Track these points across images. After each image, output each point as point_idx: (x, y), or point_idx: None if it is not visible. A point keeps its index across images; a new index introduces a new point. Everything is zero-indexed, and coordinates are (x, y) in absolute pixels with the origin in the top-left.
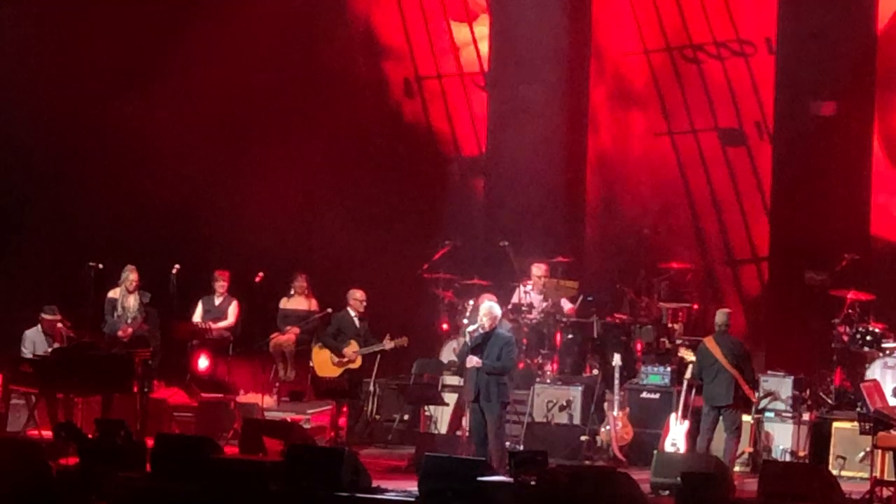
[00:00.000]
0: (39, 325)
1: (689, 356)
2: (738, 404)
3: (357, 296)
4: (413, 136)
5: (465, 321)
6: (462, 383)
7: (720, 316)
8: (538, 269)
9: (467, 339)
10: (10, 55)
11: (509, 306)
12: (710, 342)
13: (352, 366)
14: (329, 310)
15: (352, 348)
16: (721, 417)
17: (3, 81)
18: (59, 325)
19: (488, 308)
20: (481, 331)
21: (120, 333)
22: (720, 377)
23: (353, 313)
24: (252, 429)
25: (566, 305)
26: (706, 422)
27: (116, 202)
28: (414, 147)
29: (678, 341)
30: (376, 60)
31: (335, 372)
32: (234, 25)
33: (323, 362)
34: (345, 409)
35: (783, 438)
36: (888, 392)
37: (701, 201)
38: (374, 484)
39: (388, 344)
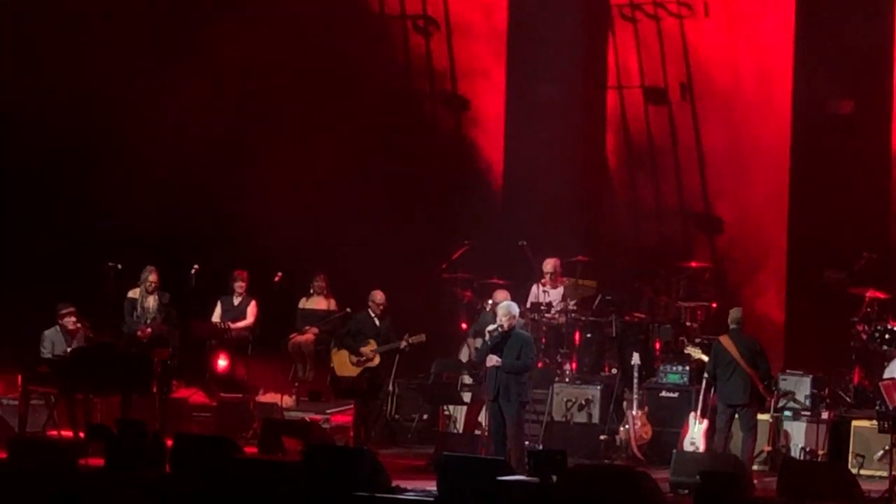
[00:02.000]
0: (58, 326)
1: (696, 353)
2: (753, 403)
3: (376, 298)
4: (434, 136)
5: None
6: (473, 382)
7: (734, 313)
8: (548, 265)
9: (487, 338)
10: (27, 39)
11: (527, 305)
12: (725, 340)
13: (370, 364)
14: (348, 309)
15: (370, 347)
16: (737, 416)
17: (24, 78)
18: (78, 322)
19: (507, 308)
20: (500, 330)
21: (139, 333)
22: (736, 376)
23: (372, 314)
24: (271, 429)
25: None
26: (721, 420)
27: (135, 202)
28: (435, 147)
29: (697, 340)
30: (397, 55)
31: (354, 371)
32: (249, 23)
33: (342, 362)
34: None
35: (802, 437)
36: None
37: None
38: (394, 483)
39: (402, 343)
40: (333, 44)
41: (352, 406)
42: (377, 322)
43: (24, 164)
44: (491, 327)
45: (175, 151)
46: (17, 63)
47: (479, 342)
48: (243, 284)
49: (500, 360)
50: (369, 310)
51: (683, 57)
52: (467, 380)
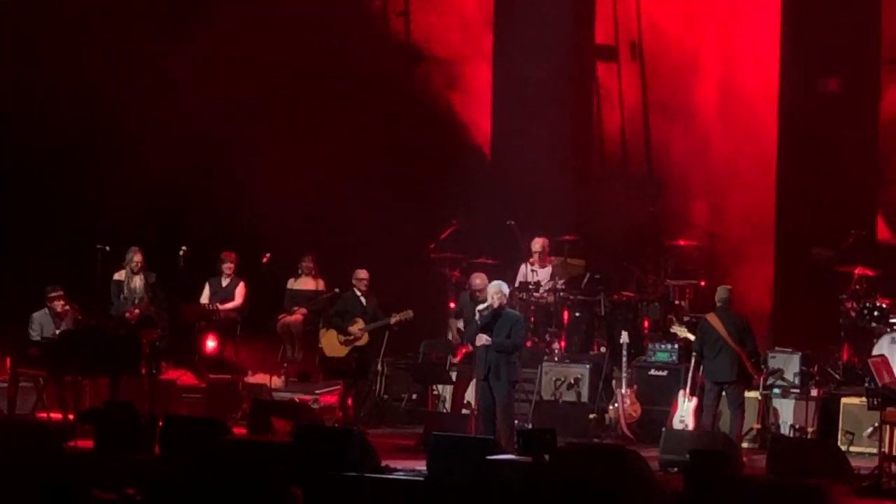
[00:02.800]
0: (46, 308)
1: (682, 332)
2: (740, 380)
3: (360, 275)
4: (421, 117)
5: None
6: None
7: (721, 292)
8: (536, 245)
9: (477, 317)
10: (27, 39)
11: (516, 285)
12: (712, 318)
13: (359, 343)
14: (336, 290)
15: (358, 326)
16: (724, 394)
17: (17, 65)
18: (66, 305)
19: (497, 287)
20: (491, 309)
21: (127, 315)
22: (723, 353)
23: (358, 293)
24: (260, 409)
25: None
26: (709, 398)
27: (124, 184)
28: (422, 127)
29: (686, 318)
30: (386, 35)
31: (343, 351)
32: (245, 11)
33: (330, 343)
34: (353, 389)
35: (791, 415)
36: None
37: None
38: (383, 463)
39: (392, 319)
40: (324, 23)
41: (340, 386)
42: (363, 300)
43: (20, 150)
44: (481, 306)
45: (165, 136)
46: (16, 59)
47: (461, 323)
48: (231, 266)
49: (489, 339)
50: (354, 289)
51: (636, 16)
52: (455, 360)
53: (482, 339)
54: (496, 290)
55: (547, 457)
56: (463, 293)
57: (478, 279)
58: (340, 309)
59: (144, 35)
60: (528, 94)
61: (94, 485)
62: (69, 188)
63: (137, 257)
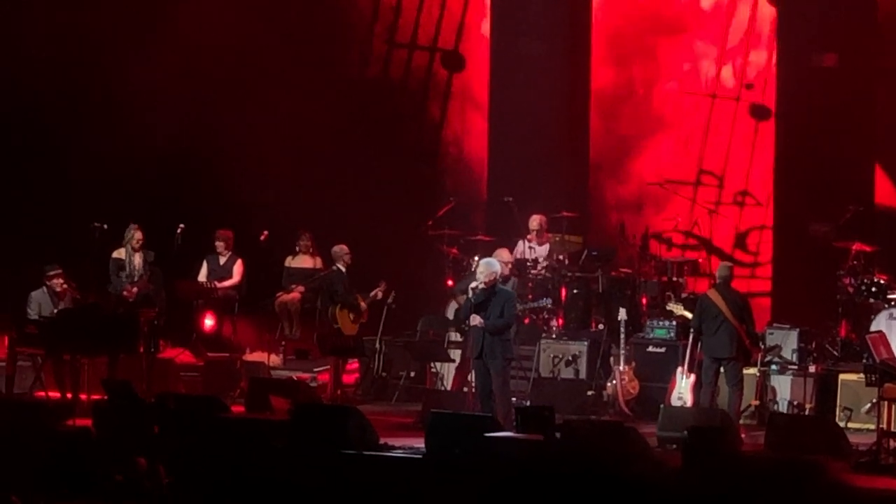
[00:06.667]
0: (45, 287)
1: (678, 310)
2: (739, 357)
3: (342, 250)
4: (420, 93)
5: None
6: (462, 339)
7: (722, 269)
8: (534, 222)
9: (470, 295)
10: (15, 15)
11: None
12: (713, 294)
13: (363, 320)
14: (334, 268)
15: (363, 303)
16: (723, 370)
17: (8, 40)
18: (65, 284)
19: (487, 264)
20: (482, 287)
21: (125, 293)
22: (722, 329)
23: (342, 268)
24: (258, 387)
25: None
26: (707, 374)
27: (121, 162)
28: (420, 104)
29: (684, 295)
30: (378, 17)
31: (354, 329)
32: None
33: (346, 322)
34: (357, 365)
35: (789, 391)
36: (894, 343)
37: None
38: (381, 441)
39: (378, 294)
40: (315, 8)
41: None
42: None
43: (14, 126)
44: (473, 284)
45: (161, 112)
46: (11, 36)
47: (463, 299)
48: (226, 244)
49: (482, 321)
50: (338, 265)
51: None
52: (454, 337)
53: (475, 319)
54: (484, 268)
55: (558, 434)
56: (471, 271)
57: (504, 254)
58: (336, 287)
59: (137, 9)
60: (526, 71)
61: (114, 469)
62: (64, 165)
63: (139, 234)
